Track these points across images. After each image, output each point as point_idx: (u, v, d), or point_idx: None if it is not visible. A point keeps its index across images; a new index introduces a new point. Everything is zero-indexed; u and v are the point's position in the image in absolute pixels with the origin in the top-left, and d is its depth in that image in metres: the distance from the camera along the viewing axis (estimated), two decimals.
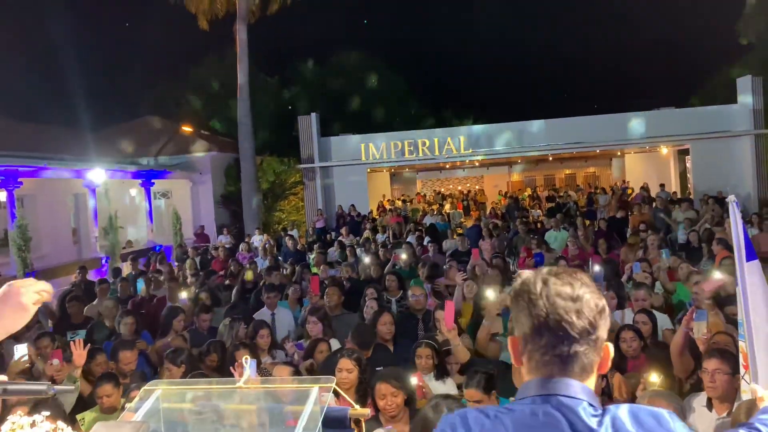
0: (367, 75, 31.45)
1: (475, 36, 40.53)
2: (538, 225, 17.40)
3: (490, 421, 1.20)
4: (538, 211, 20.83)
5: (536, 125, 21.07)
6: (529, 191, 27.23)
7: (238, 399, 2.21)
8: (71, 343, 4.18)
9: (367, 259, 8.76)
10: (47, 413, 2.54)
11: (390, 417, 3.37)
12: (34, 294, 1.39)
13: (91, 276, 11.22)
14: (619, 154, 26.54)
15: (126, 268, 11.82)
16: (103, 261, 15.35)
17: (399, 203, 22.67)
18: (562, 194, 22.91)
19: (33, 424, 2.39)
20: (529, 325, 1.22)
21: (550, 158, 26.53)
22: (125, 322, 5.77)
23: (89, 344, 4.25)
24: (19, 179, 13.63)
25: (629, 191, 21.55)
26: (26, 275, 11.84)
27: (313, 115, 21.24)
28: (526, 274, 1.28)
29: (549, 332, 1.19)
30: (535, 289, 1.22)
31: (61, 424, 2.49)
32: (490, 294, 4.60)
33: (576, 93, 35.26)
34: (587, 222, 15.09)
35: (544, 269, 1.28)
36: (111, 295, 7.99)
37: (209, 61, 29.27)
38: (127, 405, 2.17)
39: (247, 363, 2.15)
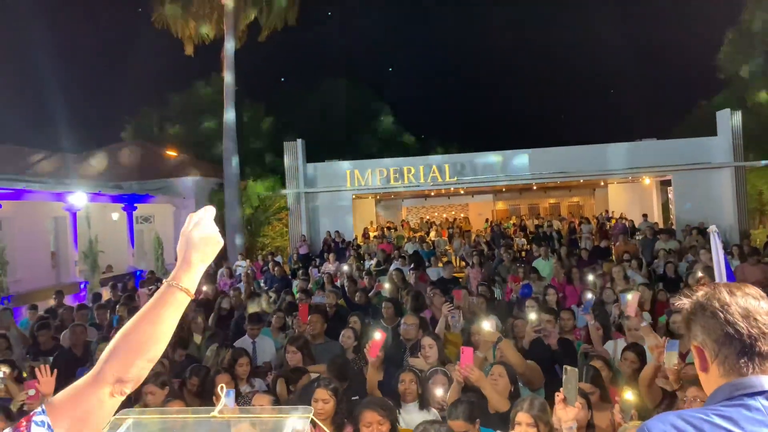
0: (353, 101, 31.69)
1: (460, 65, 41.15)
2: (523, 253, 17.44)
3: (709, 425, 1.26)
4: (523, 239, 20.90)
5: (521, 154, 21.28)
6: (514, 219, 27.35)
7: (214, 429, 2.11)
8: (37, 369, 4.02)
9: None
10: None
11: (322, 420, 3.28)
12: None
13: (69, 301, 10.95)
14: (602, 184, 26.84)
15: (105, 294, 11.57)
16: (82, 286, 15.04)
17: (386, 231, 22.61)
18: (544, 223, 23.02)
19: None
20: (721, 332, 1.35)
21: (535, 187, 26.72)
22: (100, 348, 5.60)
23: (56, 371, 4.08)
24: None
25: (613, 221, 21.74)
26: (0, 300, 11.56)
27: (299, 141, 21.27)
28: (705, 290, 1.42)
29: (742, 336, 1.33)
30: (724, 298, 1.36)
31: None
32: (486, 325, 4.49)
33: (560, 123, 35.86)
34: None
35: (721, 285, 1.42)
36: (89, 321, 7.79)
37: (195, 85, 29.34)
38: None
39: (223, 392, 2.05)
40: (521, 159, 21.22)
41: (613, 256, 13.27)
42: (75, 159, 21.24)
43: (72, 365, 5.27)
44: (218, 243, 1.40)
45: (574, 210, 30.87)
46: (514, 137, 30.65)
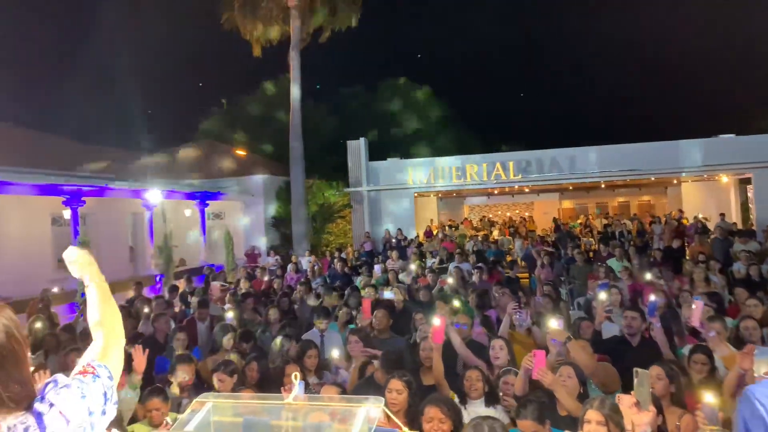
0: (415, 100, 31.71)
1: (526, 60, 40.39)
2: (590, 254, 16.97)
3: None
4: (591, 239, 20.32)
5: (589, 151, 20.71)
6: (581, 219, 26.61)
7: (286, 416, 2.22)
8: (133, 348, 4.27)
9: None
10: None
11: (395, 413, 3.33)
12: None
13: (146, 293, 11.54)
14: (675, 182, 25.74)
15: (181, 286, 12.11)
16: (158, 278, 15.79)
17: (447, 229, 22.53)
18: (613, 222, 22.28)
19: None
20: None
21: (603, 185, 25.92)
22: (178, 338, 5.90)
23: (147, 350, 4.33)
24: (83, 198, 14.26)
25: (684, 221, 20.81)
26: (83, 293, 12.30)
27: (362, 140, 21.51)
28: None
29: None
30: None
31: None
32: (554, 323, 4.45)
33: (630, 119, 34.62)
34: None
35: None
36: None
37: (262, 86, 30.17)
38: (179, 416, 2.21)
39: (297, 380, 2.15)
40: (589, 156, 20.65)
41: (687, 257, 12.74)
42: (152, 158, 22.30)
43: (153, 352, 5.58)
44: (85, 258, 1.86)
45: (645, 209, 29.73)
46: (581, 133, 29.84)
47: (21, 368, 1.38)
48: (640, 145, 20.44)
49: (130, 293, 10.50)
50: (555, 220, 26.56)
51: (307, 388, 4.38)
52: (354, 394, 3.88)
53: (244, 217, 21.82)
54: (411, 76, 33.00)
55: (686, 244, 15.47)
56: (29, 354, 1.46)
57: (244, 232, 21.49)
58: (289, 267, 13.57)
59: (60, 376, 1.40)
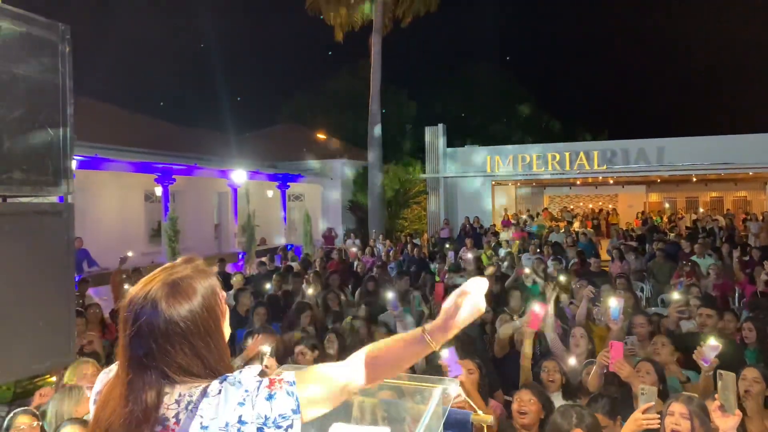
0: (495, 86, 31.14)
1: (611, 47, 38.61)
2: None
3: None
4: (678, 235, 19.31)
5: (679, 143, 19.62)
6: (668, 212, 25.33)
7: (365, 392, 2.29)
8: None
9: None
10: None
11: (521, 425, 3.33)
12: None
13: (228, 269, 12.09)
14: None
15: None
16: (240, 256, 16.47)
17: (524, 218, 22.08)
18: (704, 218, 21.06)
19: None
20: None
21: (694, 179, 24.54)
22: (258, 312, 6.16)
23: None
24: (173, 176, 15.05)
25: None
26: None
27: (440, 125, 21.37)
28: None
29: None
30: None
31: None
32: (613, 303, 4.38)
33: (726, 109, 32.49)
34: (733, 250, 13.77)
35: None
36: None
37: (343, 72, 30.56)
38: None
39: None
40: (680, 147, 19.56)
41: None
42: (237, 140, 23.16)
43: (234, 326, 5.87)
44: (479, 314, 1.49)
45: (741, 205, 27.90)
46: (672, 124, 28.33)
47: (216, 341, 1.38)
48: (737, 137, 19.14)
49: (214, 269, 11.06)
50: (642, 213, 25.41)
51: None
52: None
53: (323, 200, 22.31)
54: (493, 62, 32.44)
55: None
56: (226, 328, 1.44)
57: (322, 214, 21.99)
58: (366, 250, 13.79)
59: (249, 372, 1.33)
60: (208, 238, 18.60)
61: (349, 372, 1.41)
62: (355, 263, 11.22)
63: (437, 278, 8.60)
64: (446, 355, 3.50)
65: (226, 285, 8.99)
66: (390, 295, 5.33)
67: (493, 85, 31.54)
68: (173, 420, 1.29)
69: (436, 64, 33.11)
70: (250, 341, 4.85)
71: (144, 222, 16.65)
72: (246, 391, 1.28)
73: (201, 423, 1.26)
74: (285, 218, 20.52)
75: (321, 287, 7.83)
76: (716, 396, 2.65)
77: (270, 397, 1.28)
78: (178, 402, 1.30)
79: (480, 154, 21.35)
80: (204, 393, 1.29)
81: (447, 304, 1.46)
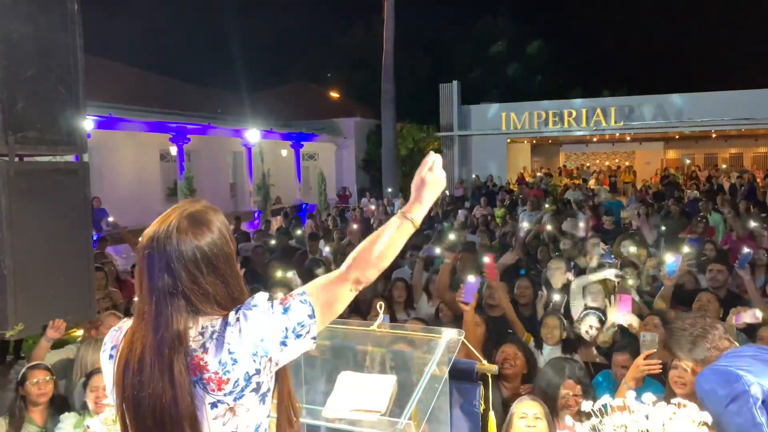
0: (512, 42, 30.50)
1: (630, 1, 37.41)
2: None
3: None
4: (695, 192, 19.09)
5: (698, 98, 19.20)
6: (688, 168, 24.88)
7: (371, 342, 2.36)
8: None
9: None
10: None
11: (506, 376, 3.44)
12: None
13: (244, 227, 12.24)
14: None
15: (276, 223, 12.72)
16: (256, 214, 16.64)
17: (539, 175, 21.93)
18: (720, 174, 20.73)
19: None
20: None
21: (714, 135, 24.09)
22: (273, 266, 6.28)
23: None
24: (188, 136, 15.11)
25: None
26: None
27: (455, 83, 21.08)
28: None
29: None
30: None
31: None
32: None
33: (747, 62, 31.54)
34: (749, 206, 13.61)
35: None
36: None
37: (356, 29, 30.05)
38: None
39: (381, 308, 2.27)
40: (699, 103, 19.14)
41: None
42: (250, 99, 23.08)
43: (250, 280, 5.99)
44: (443, 185, 1.65)
45: (761, 162, 27.40)
46: (692, 78, 27.63)
47: (234, 271, 1.47)
48: (758, 91, 18.64)
49: (230, 226, 11.20)
50: (665, 170, 25.02)
51: (395, 323, 4.56)
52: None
53: (336, 159, 22.30)
54: (509, 16, 31.67)
55: None
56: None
57: (336, 173, 22.02)
58: (380, 209, 13.84)
59: (258, 296, 1.42)
60: (224, 198, 18.76)
61: (346, 271, 1.51)
62: (372, 220, 11.29)
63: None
64: (472, 280, 3.58)
65: (245, 241, 9.14)
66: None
67: (511, 40, 30.87)
68: (201, 350, 1.36)
69: (451, 20, 32.39)
70: (272, 292, 4.98)
71: (160, 181, 16.82)
72: (263, 312, 1.38)
73: (229, 349, 1.35)
74: (299, 177, 20.60)
75: (337, 244, 7.92)
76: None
77: (286, 309, 1.40)
78: (202, 334, 1.38)
79: (494, 111, 21.08)
80: (225, 323, 1.38)
81: (414, 181, 1.62)
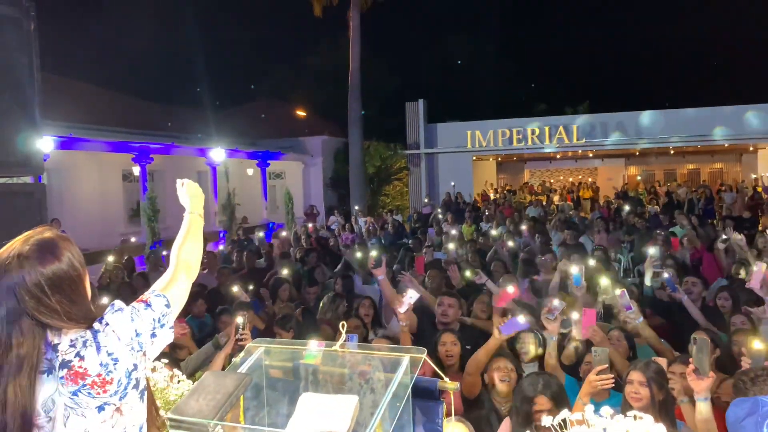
0: (477, 60, 31.03)
1: (591, 19, 38.53)
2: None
3: None
4: (656, 207, 19.61)
5: (656, 116, 19.82)
6: (641, 187, 25.52)
7: (334, 362, 2.35)
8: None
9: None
10: (165, 361, 2.82)
11: (449, 365, 3.62)
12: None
13: (209, 248, 12.06)
14: (751, 149, 24.35)
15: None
16: (221, 234, 16.41)
17: (505, 194, 22.21)
18: (677, 190, 21.37)
19: (153, 369, 2.67)
20: None
21: (672, 152, 24.84)
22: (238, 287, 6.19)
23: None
24: (151, 155, 14.89)
25: (759, 191, 19.71)
26: (153, 244, 12.97)
27: (420, 101, 21.32)
28: None
29: None
30: None
31: (177, 371, 2.76)
32: (605, 282, 4.50)
33: (703, 80, 32.73)
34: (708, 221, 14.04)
35: None
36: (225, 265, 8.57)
37: (322, 47, 30.19)
38: (234, 360, 2.37)
39: (344, 329, 2.26)
40: (657, 120, 19.77)
41: (760, 228, 12.14)
42: (215, 117, 22.90)
43: (216, 303, 5.90)
44: (198, 192, 2.14)
45: (717, 177, 28.34)
46: (649, 96, 28.50)
47: (80, 292, 1.56)
48: (713, 109, 19.38)
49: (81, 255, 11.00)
50: (625, 185, 25.62)
51: (364, 342, 4.53)
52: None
53: (304, 177, 22.23)
54: (474, 34, 32.24)
55: (760, 215, 14.73)
56: (87, 285, 1.62)
57: (304, 191, 21.93)
58: (346, 227, 13.81)
59: (117, 302, 1.58)
60: None
61: (177, 266, 1.83)
62: (331, 241, 11.24)
63: (416, 253, 8.65)
64: (412, 294, 3.69)
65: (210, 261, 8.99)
66: (373, 253, 5.36)
67: (475, 59, 31.42)
68: (77, 359, 1.45)
69: (416, 39, 32.83)
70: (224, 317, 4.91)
71: (123, 202, 16.49)
72: (129, 312, 1.56)
73: (107, 350, 1.47)
74: (266, 196, 20.44)
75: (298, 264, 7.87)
76: (691, 360, 2.74)
77: (148, 305, 1.61)
78: (73, 345, 1.47)
79: (460, 129, 21.37)
80: (94, 331, 1.50)
81: (182, 197, 2.11)
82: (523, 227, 10.50)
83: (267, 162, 20.39)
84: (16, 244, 1.51)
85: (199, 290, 6.35)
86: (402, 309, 3.74)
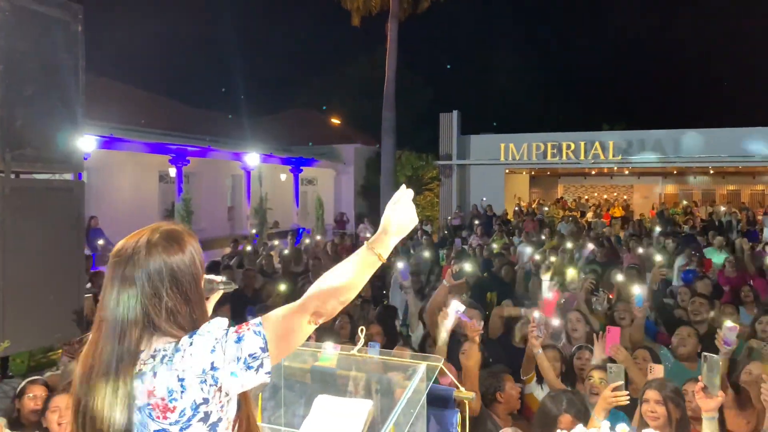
0: (513, 73, 30.90)
1: (632, 35, 37.98)
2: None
3: None
4: (694, 227, 19.12)
5: (696, 134, 19.38)
6: (681, 206, 24.93)
7: (353, 366, 2.37)
8: None
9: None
10: None
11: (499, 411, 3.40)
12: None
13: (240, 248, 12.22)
14: None
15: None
16: (255, 237, 16.63)
17: (534, 206, 21.99)
18: (716, 210, 20.79)
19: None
20: None
21: (711, 171, 24.26)
22: (267, 291, 6.29)
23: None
24: (188, 158, 15.20)
25: None
26: None
27: (455, 112, 21.30)
28: None
29: None
30: None
31: None
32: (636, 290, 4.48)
33: (745, 100, 31.95)
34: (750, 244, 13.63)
35: None
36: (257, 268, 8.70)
37: (359, 56, 30.51)
38: None
39: (362, 333, 2.28)
40: (697, 139, 19.32)
41: None
42: (251, 123, 23.28)
43: (242, 304, 5.99)
44: (414, 222, 1.59)
45: (759, 199, 27.53)
46: (690, 115, 27.93)
47: (196, 292, 1.46)
48: (756, 129, 18.87)
49: (227, 250, 11.23)
50: (662, 204, 25.07)
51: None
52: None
53: (335, 185, 22.40)
54: (512, 47, 32.14)
55: None
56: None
57: (335, 198, 22.10)
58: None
59: (218, 320, 1.41)
60: (221, 220, 18.79)
61: (306, 302, 1.46)
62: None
63: (443, 262, 8.64)
64: (456, 306, 3.57)
65: (240, 265, 9.14)
66: (400, 264, 5.37)
67: (511, 72, 31.31)
68: (151, 374, 1.34)
69: (453, 51, 32.90)
70: None
71: (158, 203, 16.85)
72: (216, 338, 1.35)
73: (178, 375, 1.32)
74: (297, 202, 20.65)
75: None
76: (700, 378, 2.70)
77: (239, 339, 1.36)
78: (153, 357, 1.36)
79: (493, 142, 21.26)
80: (176, 348, 1.36)
81: (384, 214, 1.57)
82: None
83: (300, 168, 20.62)
84: (145, 232, 1.46)
85: (225, 295, 6.46)
86: (448, 323, 3.64)
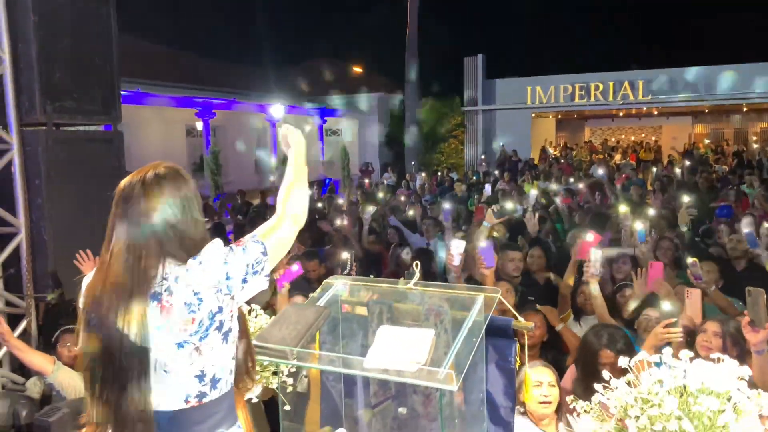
0: (539, 16, 29.94)
1: None
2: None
3: None
4: (723, 167, 18.71)
5: (729, 70, 18.66)
6: (703, 145, 24.16)
7: (409, 300, 2.41)
8: None
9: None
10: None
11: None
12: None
13: (269, 201, 12.34)
14: None
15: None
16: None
17: (565, 151, 21.64)
18: (748, 149, 20.25)
19: (250, 312, 2.75)
20: None
21: (745, 109, 23.50)
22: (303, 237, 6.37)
23: None
24: (213, 110, 15.22)
25: None
26: (216, 197, 13.37)
27: (480, 56, 20.81)
28: None
29: None
30: None
31: (255, 305, 2.86)
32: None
33: None
34: None
35: None
36: None
37: (382, 4, 29.80)
38: (311, 295, 2.45)
39: (417, 268, 2.30)
40: (729, 75, 18.61)
41: None
42: (274, 74, 23.09)
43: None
44: (303, 142, 1.99)
45: None
46: (721, 49, 26.85)
47: (200, 213, 1.64)
48: None
49: (256, 201, 11.34)
50: (693, 144, 24.46)
51: None
52: None
53: (360, 135, 22.28)
54: None
55: None
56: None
57: (359, 148, 22.02)
58: (402, 183, 13.86)
59: (216, 241, 1.57)
60: (248, 172, 18.91)
61: (280, 211, 1.77)
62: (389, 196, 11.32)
63: (471, 208, 8.61)
64: (484, 245, 3.59)
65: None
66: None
67: (538, 9, 30.38)
68: (166, 293, 1.47)
69: None
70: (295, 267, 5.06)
71: (186, 156, 16.99)
72: (225, 253, 1.54)
73: (193, 290, 1.47)
74: (323, 153, 20.65)
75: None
76: (745, 312, 2.68)
77: (244, 249, 1.58)
78: (165, 278, 1.49)
79: (519, 85, 20.80)
80: (186, 269, 1.50)
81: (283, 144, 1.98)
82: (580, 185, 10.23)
83: (324, 119, 20.53)
84: (148, 169, 1.59)
85: None
86: (455, 262, 3.66)
